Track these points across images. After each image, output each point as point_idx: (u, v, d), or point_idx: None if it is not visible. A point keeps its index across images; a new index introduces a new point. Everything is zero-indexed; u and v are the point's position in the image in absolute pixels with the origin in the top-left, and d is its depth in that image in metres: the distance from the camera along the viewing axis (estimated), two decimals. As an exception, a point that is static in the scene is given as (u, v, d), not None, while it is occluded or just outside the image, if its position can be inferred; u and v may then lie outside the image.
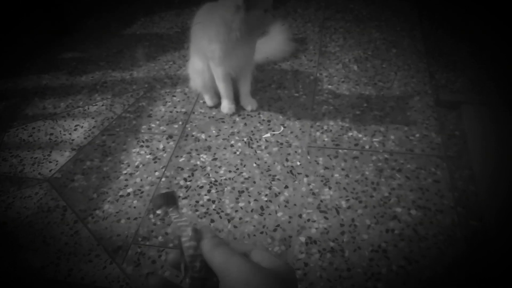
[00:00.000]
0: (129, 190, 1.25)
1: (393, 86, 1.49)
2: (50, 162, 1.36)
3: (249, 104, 1.49)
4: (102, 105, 1.57)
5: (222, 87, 1.43)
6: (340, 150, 1.32)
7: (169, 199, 0.40)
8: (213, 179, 1.26)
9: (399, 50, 1.73)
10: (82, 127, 1.48)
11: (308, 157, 1.31)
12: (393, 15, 1.95)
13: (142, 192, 1.24)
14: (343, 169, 1.26)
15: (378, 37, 1.82)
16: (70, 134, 1.46)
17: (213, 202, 1.20)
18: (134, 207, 1.20)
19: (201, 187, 1.24)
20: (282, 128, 1.42)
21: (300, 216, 1.14)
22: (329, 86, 1.58)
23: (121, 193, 1.24)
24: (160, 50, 1.87)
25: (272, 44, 1.69)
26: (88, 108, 1.57)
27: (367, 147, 1.32)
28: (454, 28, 1.77)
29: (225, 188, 1.23)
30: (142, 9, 2.16)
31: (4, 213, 1.22)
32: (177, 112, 1.52)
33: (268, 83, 1.62)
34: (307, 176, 1.25)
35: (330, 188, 1.21)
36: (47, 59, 1.85)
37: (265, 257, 0.36)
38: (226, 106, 1.48)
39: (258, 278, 0.32)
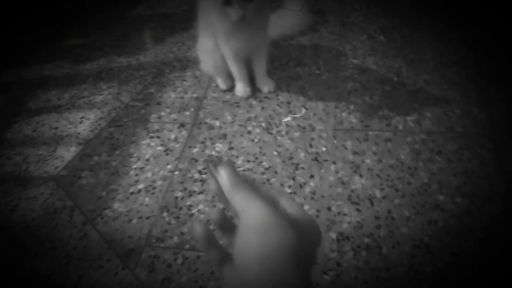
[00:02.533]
0: (140, 186, 1.15)
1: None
2: (55, 158, 1.27)
3: (265, 85, 1.36)
4: (109, 94, 1.47)
5: (234, 68, 1.30)
6: (370, 132, 1.18)
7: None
8: (230, 171, 1.14)
9: (430, 17, 1.55)
10: (88, 119, 1.38)
11: (335, 142, 1.17)
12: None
13: (154, 188, 1.13)
14: (375, 154, 1.12)
15: (406, 4, 1.64)
16: (75, 127, 1.36)
17: (232, 196, 1.08)
18: (146, 205, 1.10)
19: (218, 180, 1.12)
20: (303, 110, 1.28)
21: (329, 209, 1.02)
22: (354, 61, 1.43)
23: (131, 189, 1.14)
24: (168, 31, 1.74)
25: (287, 17, 1.54)
26: (94, 98, 1.46)
27: (400, 127, 1.18)
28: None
29: (244, 180, 1.11)
30: (147, -12, 2.03)
31: (8, 216, 1.13)
32: (188, 98, 1.40)
33: (285, 60, 1.48)
34: (334, 163, 1.12)
35: (361, 176, 1.08)
36: (50, 48, 1.75)
37: (290, 205, 0.36)
38: (241, 88, 1.35)
39: (277, 222, 0.32)
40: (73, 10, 1.90)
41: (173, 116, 1.34)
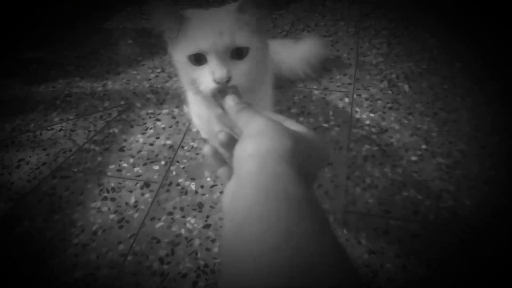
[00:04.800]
0: (78, 274, 0.84)
1: None
2: (-26, 218, 0.96)
3: None
4: (60, 130, 1.16)
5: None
6: (392, 221, 0.89)
7: None
8: (202, 263, 0.84)
9: (464, 65, 1.28)
10: (27, 163, 1.07)
11: (345, 231, 0.88)
12: (452, 15, 1.49)
13: (96, 280, 0.83)
14: (398, 256, 0.84)
15: (435, 45, 1.37)
16: (9, 173, 1.05)
17: (201, 305, 0.79)
18: (82, 307, 0.79)
19: (184, 275, 0.82)
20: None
21: None
22: (371, 114, 1.14)
23: (65, 279, 0.84)
24: (146, 52, 1.44)
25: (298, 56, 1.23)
26: (41, 134, 1.15)
27: (431, 217, 0.90)
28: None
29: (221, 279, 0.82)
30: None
31: None
32: (160, 145, 1.10)
33: (286, 105, 1.19)
34: (343, 265, 0.82)
35: (379, 289, 0.79)
36: (1, 59, 1.44)
37: (296, 126, 0.37)
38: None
39: (275, 129, 0.33)
40: (37, 17, 1.59)
41: (137, 169, 1.04)
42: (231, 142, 0.40)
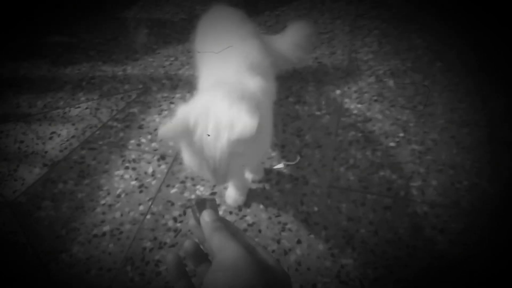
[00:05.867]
0: (106, 228, 1.02)
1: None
2: (15, 180, 1.13)
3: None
4: (86, 108, 1.32)
5: None
6: (368, 196, 1.07)
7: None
8: (209, 222, 1.02)
9: (444, 64, 1.44)
10: (59, 135, 1.24)
11: (329, 202, 1.06)
12: (439, 18, 1.64)
13: (120, 233, 1.00)
14: (371, 223, 1.01)
15: (420, 45, 1.52)
16: (43, 144, 1.22)
17: (207, 255, 0.96)
18: (109, 253, 0.97)
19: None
20: (298, 157, 1.16)
21: (314, 286, 0.90)
22: (359, 105, 1.31)
23: (95, 231, 1.01)
24: (161, 41, 1.59)
25: (287, 43, 1.35)
26: (69, 111, 1.32)
27: (402, 193, 1.07)
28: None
29: (223, 236, 0.99)
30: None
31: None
32: (173, 124, 1.26)
33: (285, 94, 1.35)
34: (325, 228, 1.00)
35: (354, 248, 0.96)
36: (29, 41, 1.59)
37: (265, 254, 0.36)
38: (232, 195, 1.06)
39: (247, 266, 0.33)
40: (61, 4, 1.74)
41: (154, 145, 1.21)
42: (197, 253, 0.40)
